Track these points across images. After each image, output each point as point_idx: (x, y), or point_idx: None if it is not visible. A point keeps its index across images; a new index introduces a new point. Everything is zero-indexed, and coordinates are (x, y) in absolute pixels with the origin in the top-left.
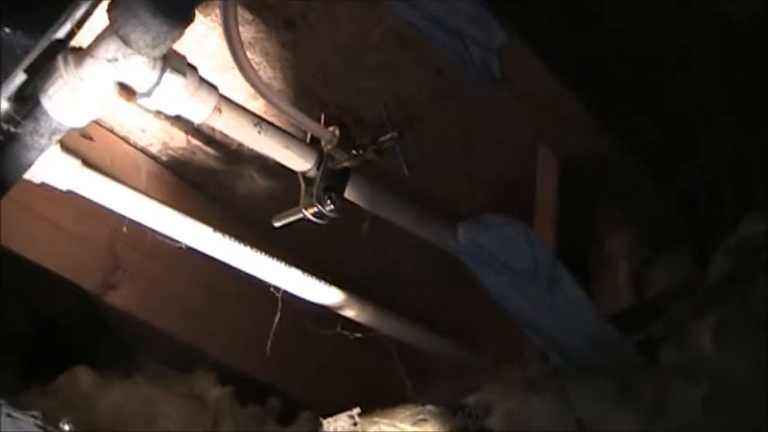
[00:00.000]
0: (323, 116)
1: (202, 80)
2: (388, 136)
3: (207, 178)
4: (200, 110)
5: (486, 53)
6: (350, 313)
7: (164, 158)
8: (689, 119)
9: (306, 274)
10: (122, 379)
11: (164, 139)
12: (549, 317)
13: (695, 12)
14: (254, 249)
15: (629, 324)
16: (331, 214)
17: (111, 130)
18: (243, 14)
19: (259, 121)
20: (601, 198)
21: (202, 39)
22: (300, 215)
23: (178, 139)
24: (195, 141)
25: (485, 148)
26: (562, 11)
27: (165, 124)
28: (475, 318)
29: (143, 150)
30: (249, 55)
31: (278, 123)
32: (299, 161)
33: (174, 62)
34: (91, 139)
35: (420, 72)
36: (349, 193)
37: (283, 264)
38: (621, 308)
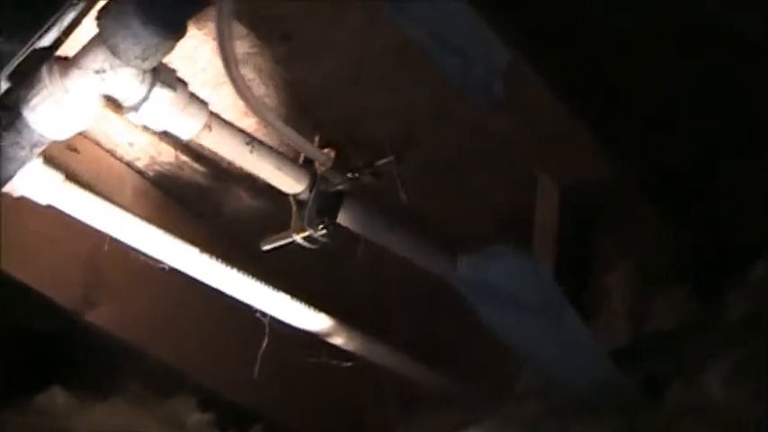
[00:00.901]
0: (317, 137)
1: (192, 96)
2: (386, 159)
3: (194, 195)
4: (189, 126)
5: (487, 73)
6: (338, 341)
7: (150, 173)
8: (701, 153)
9: (294, 299)
10: (100, 400)
11: (151, 153)
12: (552, 353)
13: (720, 38)
14: (242, 272)
15: (629, 360)
16: (323, 239)
17: (97, 143)
18: (236, 28)
19: (251, 139)
20: (601, 228)
21: (193, 52)
22: (290, 239)
23: (166, 154)
24: (184, 157)
25: (484, 171)
26: (571, 36)
27: (154, 139)
28: (467, 346)
29: (129, 164)
30: (242, 71)
31: (270, 143)
32: (290, 183)
33: (164, 76)
34: (76, 151)
35: (419, 92)
36: (342, 218)
37: (271, 288)
38: (619, 343)
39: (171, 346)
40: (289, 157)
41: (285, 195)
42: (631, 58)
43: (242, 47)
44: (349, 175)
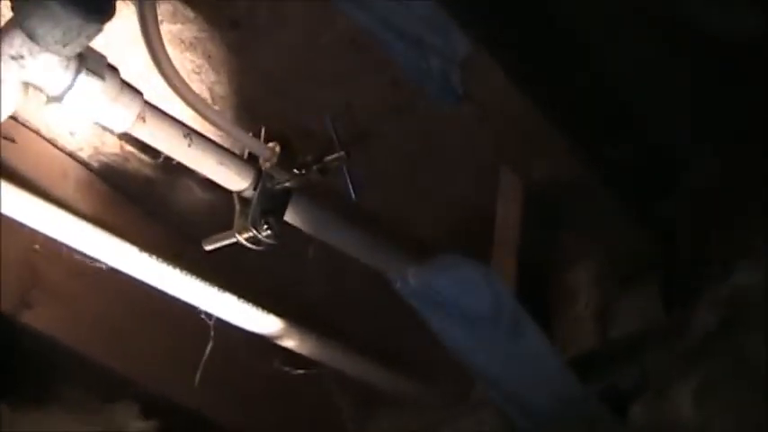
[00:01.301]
0: (263, 129)
1: (124, 84)
2: (335, 155)
3: (142, 188)
4: (120, 118)
5: (447, 64)
6: (290, 344)
7: (95, 165)
8: (670, 147)
9: (242, 300)
10: (35, 409)
11: (95, 143)
12: (508, 368)
13: (679, 28)
14: (185, 272)
15: (592, 369)
16: (268, 240)
17: (36, 132)
18: (184, 12)
19: (189, 132)
20: (565, 226)
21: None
22: (233, 239)
23: (110, 145)
24: (129, 148)
25: (442, 167)
26: (533, 25)
27: (97, 128)
28: (426, 349)
29: (72, 155)
30: (189, 56)
31: (214, 137)
32: (234, 179)
33: (92, 62)
34: (13, 141)
35: (374, 83)
36: (290, 217)
37: (216, 288)
38: (584, 347)
39: (113, 350)
40: (232, 152)
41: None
42: (595, 52)
43: (190, 31)
44: (296, 171)
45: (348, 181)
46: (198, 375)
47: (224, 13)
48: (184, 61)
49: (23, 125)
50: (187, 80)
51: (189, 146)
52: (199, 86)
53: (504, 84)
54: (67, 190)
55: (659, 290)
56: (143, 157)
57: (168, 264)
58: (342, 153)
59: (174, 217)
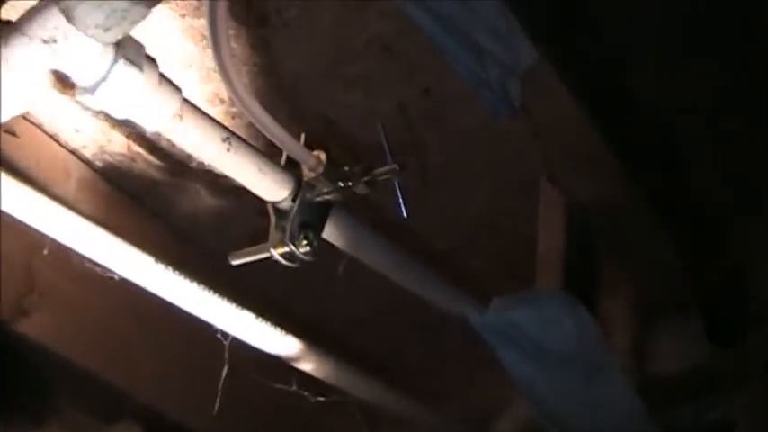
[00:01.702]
0: (303, 135)
1: (163, 78)
2: (387, 168)
3: (147, 190)
4: (156, 116)
5: (506, 75)
6: (307, 367)
7: (98, 164)
8: (725, 183)
9: (260, 318)
10: (33, 427)
11: (100, 141)
12: (580, 408)
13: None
14: (201, 285)
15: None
16: (305, 257)
17: (39, 127)
18: None
19: (229, 135)
20: (607, 252)
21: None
22: (267, 254)
23: (117, 143)
24: (137, 148)
25: (468, 182)
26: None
27: (104, 125)
28: (445, 371)
29: (75, 153)
30: (211, 53)
31: (249, 138)
32: (272, 189)
33: (130, 51)
34: (14, 135)
35: (405, 90)
36: (328, 232)
37: (234, 305)
38: None
39: (116, 365)
40: (269, 158)
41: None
42: (658, 74)
43: None
44: (340, 183)
45: (399, 196)
46: (216, 404)
47: (252, 9)
48: (205, 59)
49: (25, 118)
50: (207, 79)
51: (228, 150)
52: (219, 86)
53: (563, 97)
54: (69, 190)
55: (698, 324)
56: (151, 158)
57: (184, 277)
58: (394, 166)
59: (179, 221)
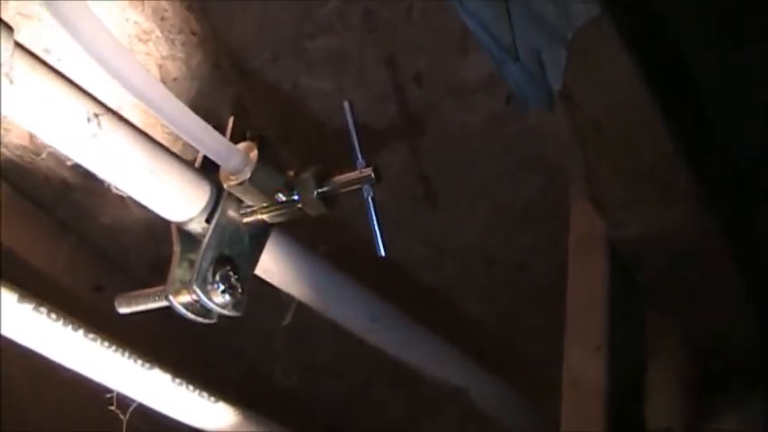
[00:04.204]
0: (231, 123)
1: None
2: (357, 173)
3: (56, 195)
4: None
5: (545, 41)
6: None
7: None
8: None
9: (178, 380)
10: None
11: None
12: None
13: None
14: (90, 336)
15: None
16: (224, 310)
17: None
18: None
19: (101, 112)
20: (656, 298)
21: None
22: (162, 303)
23: (17, 134)
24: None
25: (461, 202)
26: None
27: None
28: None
29: None
30: (134, 16)
31: (139, 124)
32: (175, 201)
33: None
34: None
35: (384, 72)
36: (267, 268)
37: (140, 363)
38: None
39: None
40: (171, 154)
41: None
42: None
43: None
44: (281, 195)
45: (373, 218)
46: None
47: None
48: (125, 23)
49: None
50: (129, 49)
51: (94, 135)
52: (144, 60)
53: (631, 80)
54: None
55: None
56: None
57: (63, 322)
58: (368, 171)
59: (96, 233)
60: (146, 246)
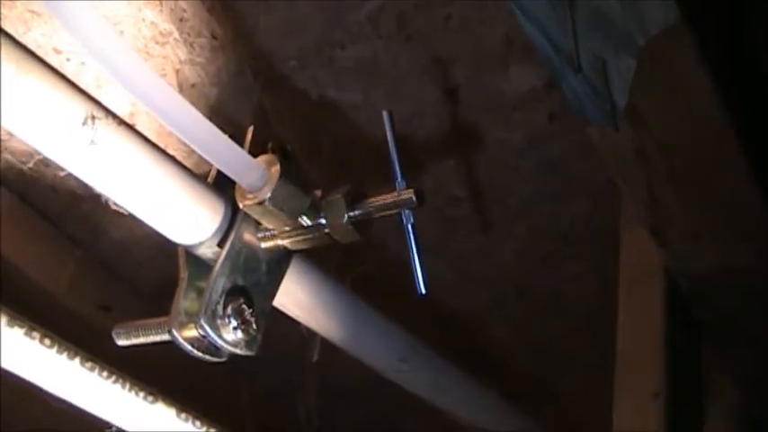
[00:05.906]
0: (250, 133)
1: None
2: (396, 195)
3: (63, 206)
4: None
5: (612, 50)
6: None
7: None
8: None
9: (183, 417)
10: None
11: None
12: None
13: None
14: (87, 365)
15: None
16: (234, 348)
17: None
18: None
19: (99, 115)
20: (713, 339)
21: None
22: (166, 337)
23: (21, 139)
24: None
25: (498, 226)
26: None
27: None
28: None
29: None
30: (151, 16)
31: (149, 133)
32: (183, 221)
33: None
34: None
35: (421, 87)
36: (286, 299)
37: (142, 396)
38: None
39: None
40: (184, 167)
41: None
42: None
43: None
44: (305, 219)
45: (414, 251)
46: None
47: None
48: (141, 24)
49: None
50: (145, 53)
51: (92, 142)
52: (160, 64)
53: (706, 97)
54: None
55: None
56: None
57: (58, 350)
58: (409, 194)
59: (105, 250)
60: (158, 262)
